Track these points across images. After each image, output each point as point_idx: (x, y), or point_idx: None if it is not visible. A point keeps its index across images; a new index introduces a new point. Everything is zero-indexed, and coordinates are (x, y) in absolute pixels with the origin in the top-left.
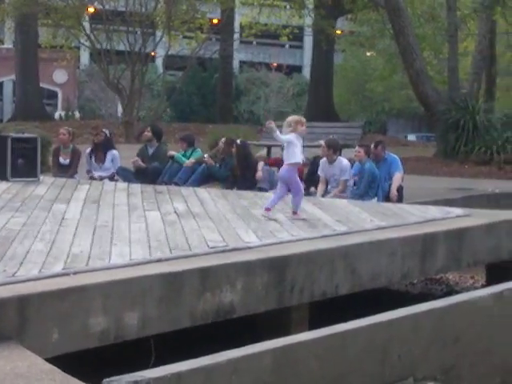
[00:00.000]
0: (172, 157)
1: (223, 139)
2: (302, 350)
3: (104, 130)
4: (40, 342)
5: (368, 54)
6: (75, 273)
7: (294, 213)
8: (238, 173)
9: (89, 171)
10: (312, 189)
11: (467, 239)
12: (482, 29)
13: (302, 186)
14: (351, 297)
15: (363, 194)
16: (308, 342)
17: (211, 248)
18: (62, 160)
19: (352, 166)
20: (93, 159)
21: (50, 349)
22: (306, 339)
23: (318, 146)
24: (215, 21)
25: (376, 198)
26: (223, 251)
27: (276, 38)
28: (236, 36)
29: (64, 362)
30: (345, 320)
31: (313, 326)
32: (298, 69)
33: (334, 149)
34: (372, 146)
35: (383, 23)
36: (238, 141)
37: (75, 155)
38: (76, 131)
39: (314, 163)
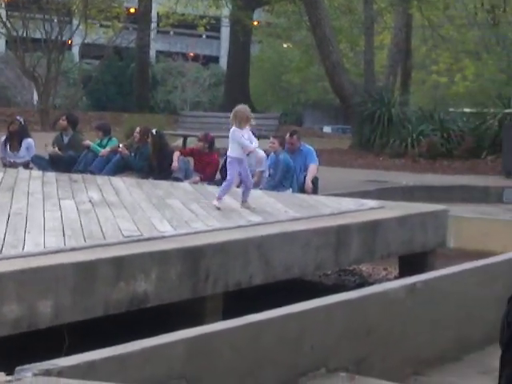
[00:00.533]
0: (88, 147)
1: (138, 128)
2: (215, 339)
3: (18, 117)
4: None
5: (285, 45)
6: None
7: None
8: (153, 162)
9: (3, 158)
10: None
11: (381, 231)
12: (398, 22)
13: (234, 179)
14: (265, 287)
15: (278, 185)
16: (222, 331)
17: (126, 237)
18: None
19: (268, 157)
20: (7, 147)
21: None
22: (220, 329)
23: None
24: (132, 10)
25: (291, 189)
26: (138, 240)
27: (193, 28)
28: (153, 25)
29: None
30: (259, 310)
31: (227, 316)
32: (214, 59)
33: None
34: (287, 135)
35: (300, 15)
36: (154, 130)
37: None
38: None
39: None
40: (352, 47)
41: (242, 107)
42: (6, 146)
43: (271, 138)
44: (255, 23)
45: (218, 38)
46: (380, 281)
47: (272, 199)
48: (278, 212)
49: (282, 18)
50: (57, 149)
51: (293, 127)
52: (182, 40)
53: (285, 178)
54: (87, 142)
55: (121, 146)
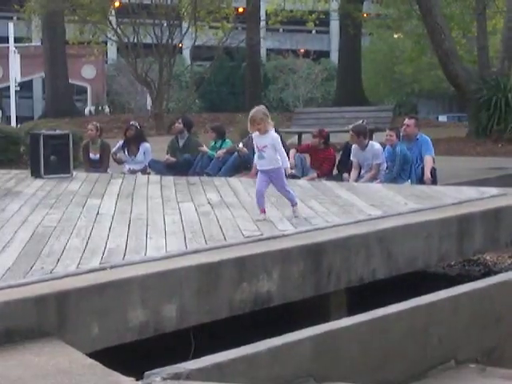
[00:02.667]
0: (205, 153)
1: None
2: (342, 335)
3: (133, 122)
4: (80, 337)
5: (395, 36)
6: (112, 267)
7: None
8: None
9: (115, 155)
10: (345, 175)
11: (504, 218)
12: (510, 5)
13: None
14: (388, 281)
15: (396, 178)
16: (348, 327)
17: (246, 237)
18: (91, 155)
19: (384, 149)
20: (126, 152)
21: (91, 343)
22: (346, 325)
23: (348, 131)
24: (241, 9)
25: (409, 181)
26: (259, 240)
27: (302, 24)
28: (262, 24)
29: (105, 356)
30: (383, 305)
31: (351, 311)
32: (325, 54)
33: (363, 135)
34: (406, 120)
35: (410, 4)
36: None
37: (104, 150)
38: (106, 126)
39: (346, 149)
40: (464, 34)
41: (253, 109)
42: (124, 151)
43: (387, 131)
44: (364, 15)
45: (327, 32)
46: (506, 269)
47: (391, 192)
48: (398, 204)
49: (391, 9)
50: (171, 158)
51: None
52: (291, 37)
53: (403, 170)
54: (204, 149)
55: (240, 145)
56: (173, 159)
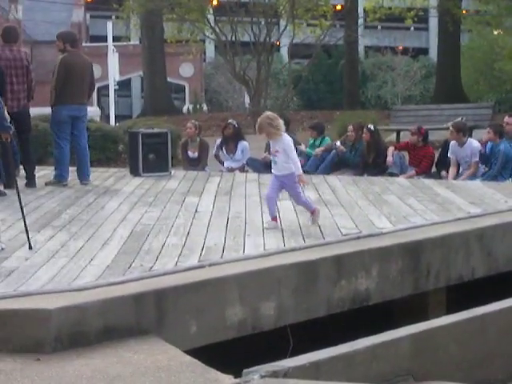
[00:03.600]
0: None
1: (351, 126)
2: (441, 334)
3: (231, 121)
4: (179, 335)
5: (495, 32)
6: (210, 265)
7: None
8: (368, 158)
9: (217, 156)
10: (443, 172)
11: None
12: None
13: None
14: (487, 280)
15: (497, 175)
16: (447, 326)
17: (344, 235)
18: (190, 154)
19: (484, 146)
20: (224, 151)
21: (189, 341)
22: (446, 323)
23: (447, 129)
24: (339, 7)
25: (511, 179)
26: (357, 238)
27: (401, 21)
28: (360, 21)
29: (203, 353)
30: (482, 303)
31: (450, 310)
32: (424, 51)
33: (463, 131)
34: (506, 117)
35: (510, 0)
36: (370, 126)
37: (203, 148)
38: (204, 124)
39: (444, 146)
40: None
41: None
42: (222, 149)
43: (487, 128)
44: (463, 12)
45: (426, 29)
46: None
47: (491, 190)
48: (498, 202)
49: (490, 5)
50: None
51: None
52: (389, 34)
53: (504, 168)
54: (301, 147)
55: (337, 143)
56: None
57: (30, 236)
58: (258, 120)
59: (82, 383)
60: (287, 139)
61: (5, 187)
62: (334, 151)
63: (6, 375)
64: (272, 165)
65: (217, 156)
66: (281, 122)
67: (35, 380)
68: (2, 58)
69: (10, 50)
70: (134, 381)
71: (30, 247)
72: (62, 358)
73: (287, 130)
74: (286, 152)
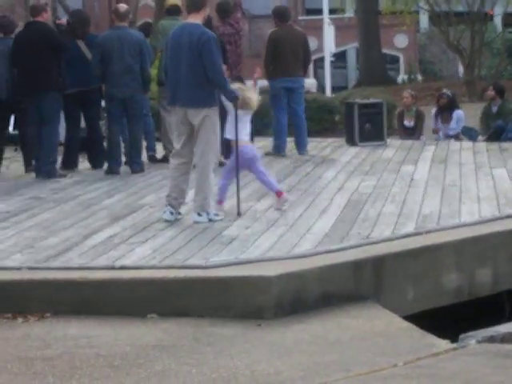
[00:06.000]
0: None
1: None
2: None
3: (445, 90)
4: (396, 301)
5: None
6: (427, 232)
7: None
8: None
9: (435, 130)
10: None
11: None
12: None
13: None
14: None
15: None
16: None
17: None
18: (406, 123)
19: None
20: (439, 120)
21: (406, 307)
22: None
23: None
24: None
25: None
26: None
27: None
28: None
29: (419, 319)
30: None
31: None
32: None
33: None
34: None
35: None
36: None
37: (419, 117)
38: (418, 94)
39: None
40: None
41: None
42: (437, 118)
43: None
44: None
45: None
46: None
47: None
48: None
49: None
50: None
51: None
52: None
53: None
54: None
55: None
56: None
57: (250, 205)
58: None
59: (302, 348)
60: None
61: None
62: None
63: (228, 340)
64: None
65: (435, 131)
66: None
67: (257, 345)
68: (225, 33)
69: (230, 25)
70: (353, 345)
71: (239, 214)
72: (282, 324)
73: (502, 99)
74: None
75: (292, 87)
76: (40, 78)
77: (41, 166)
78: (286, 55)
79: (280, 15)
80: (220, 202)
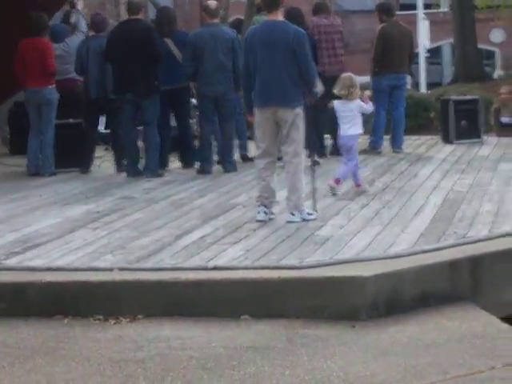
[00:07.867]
0: None
1: None
2: None
3: None
4: (494, 302)
5: None
6: None
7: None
8: None
9: None
10: None
11: None
12: None
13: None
14: None
15: None
16: None
17: None
18: (503, 119)
19: None
20: None
21: (504, 308)
22: None
23: None
24: None
25: None
26: None
27: None
28: None
29: None
30: None
31: None
32: None
33: None
34: None
35: None
36: None
37: None
38: None
39: None
40: None
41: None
42: None
43: None
44: None
45: None
46: None
47: None
48: None
49: None
50: None
51: None
52: None
53: None
54: None
55: None
56: None
57: (344, 204)
58: None
59: (397, 350)
60: None
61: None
62: None
63: (322, 342)
64: None
65: None
66: None
67: (352, 347)
68: (321, 24)
69: (326, 18)
70: (450, 347)
71: (316, 211)
72: (377, 325)
73: None
74: None
75: (397, 84)
76: (141, 79)
77: (149, 165)
78: (394, 51)
79: (386, 10)
80: (358, 185)
